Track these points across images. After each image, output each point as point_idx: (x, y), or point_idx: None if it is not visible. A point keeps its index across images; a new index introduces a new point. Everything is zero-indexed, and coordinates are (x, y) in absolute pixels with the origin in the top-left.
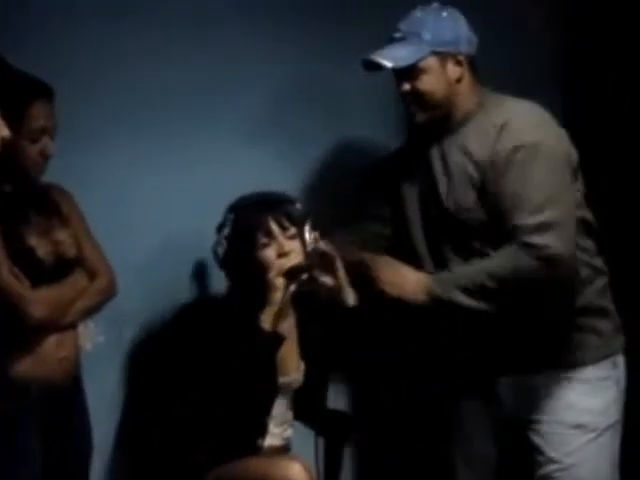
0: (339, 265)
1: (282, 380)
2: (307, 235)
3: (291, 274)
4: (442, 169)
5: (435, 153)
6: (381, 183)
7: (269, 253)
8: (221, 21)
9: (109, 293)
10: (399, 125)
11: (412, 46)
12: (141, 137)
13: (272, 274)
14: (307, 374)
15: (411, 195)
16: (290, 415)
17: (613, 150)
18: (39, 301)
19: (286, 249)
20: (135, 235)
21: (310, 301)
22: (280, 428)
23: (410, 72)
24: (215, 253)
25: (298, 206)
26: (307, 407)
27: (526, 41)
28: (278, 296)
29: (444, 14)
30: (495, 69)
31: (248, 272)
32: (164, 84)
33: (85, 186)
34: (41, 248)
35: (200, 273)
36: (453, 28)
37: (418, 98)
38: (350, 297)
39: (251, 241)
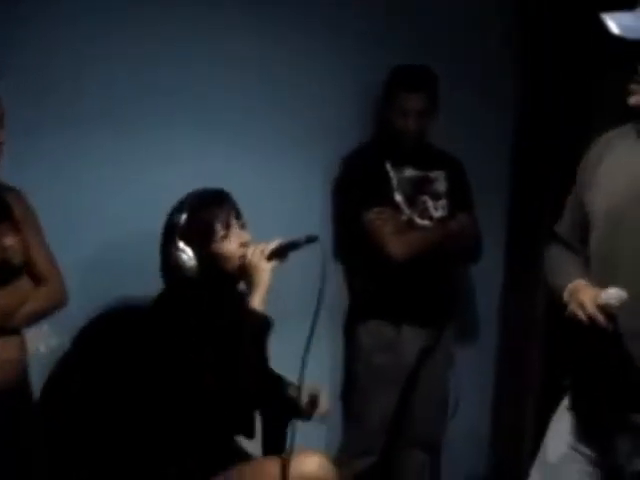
0: None
1: None
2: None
3: (277, 254)
4: None
5: None
6: None
7: (230, 244)
8: (188, 19)
9: (57, 300)
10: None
11: None
12: (86, 135)
13: (255, 258)
14: None
15: None
16: None
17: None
18: None
19: (248, 238)
20: (82, 236)
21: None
22: None
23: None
24: (177, 262)
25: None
26: None
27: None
28: (267, 277)
29: None
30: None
31: (210, 267)
32: (113, 80)
33: (29, 187)
34: None
35: (149, 273)
36: None
37: None
38: None
39: (211, 235)
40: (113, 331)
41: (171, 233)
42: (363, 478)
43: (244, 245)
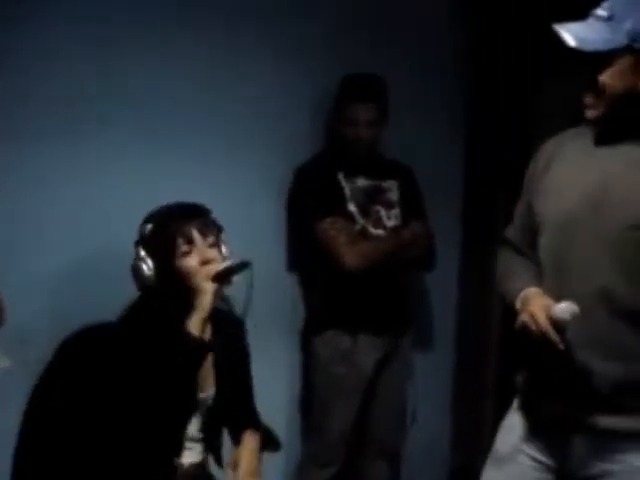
0: None
1: (200, 395)
2: (223, 245)
3: (220, 278)
4: None
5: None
6: None
7: (191, 261)
8: (155, 26)
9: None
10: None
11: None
12: (49, 145)
13: (199, 278)
14: (218, 391)
15: None
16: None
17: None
18: None
19: (209, 256)
20: (41, 254)
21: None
22: (197, 444)
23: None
24: (135, 270)
25: (213, 216)
26: (217, 426)
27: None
28: (208, 300)
29: None
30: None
31: (170, 283)
32: (69, 90)
33: None
34: None
35: (111, 291)
36: None
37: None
38: None
39: (172, 249)
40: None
41: (137, 241)
42: None
43: (205, 263)
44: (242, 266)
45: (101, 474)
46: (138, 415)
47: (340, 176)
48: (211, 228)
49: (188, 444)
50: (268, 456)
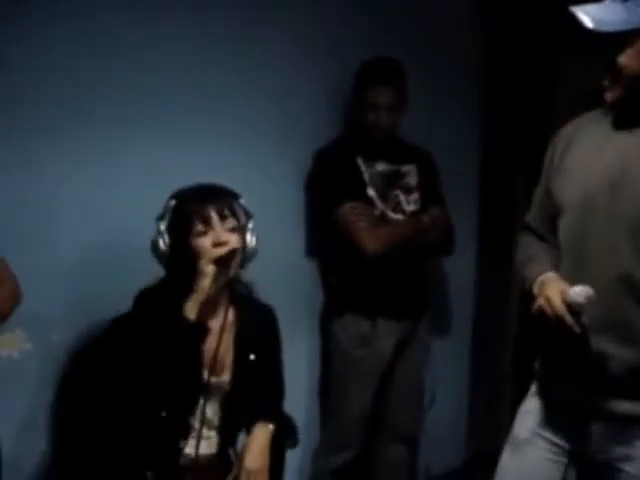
0: None
1: (213, 380)
2: (249, 234)
3: (223, 262)
4: None
5: None
6: None
7: (204, 241)
8: (170, 19)
9: (15, 300)
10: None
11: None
12: (68, 133)
13: (202, 261)
14: (234, 377)
15: None
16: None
17: None
18: None
19: (222, 239)
20: (60, 241)
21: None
22: (214, 432)
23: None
24: (154, 244)
25: (242, 202)
26: (233, 414)
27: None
28: (206, 283)
29: None
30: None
31: (184, 261)
32: (80, 82)
33: (10, 186)
34: None
35: (128, 275)
36: None
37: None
38: None
39: (188, 228)
40: (92, 336)
41: (159, 216)
42: (342, 472)
43: (217, 245)
44: (248, 253)
45: (107, 455)
46: (144, 397)
47: (359, 161)
48: (234, 212)
49: (205, 432)
50: None
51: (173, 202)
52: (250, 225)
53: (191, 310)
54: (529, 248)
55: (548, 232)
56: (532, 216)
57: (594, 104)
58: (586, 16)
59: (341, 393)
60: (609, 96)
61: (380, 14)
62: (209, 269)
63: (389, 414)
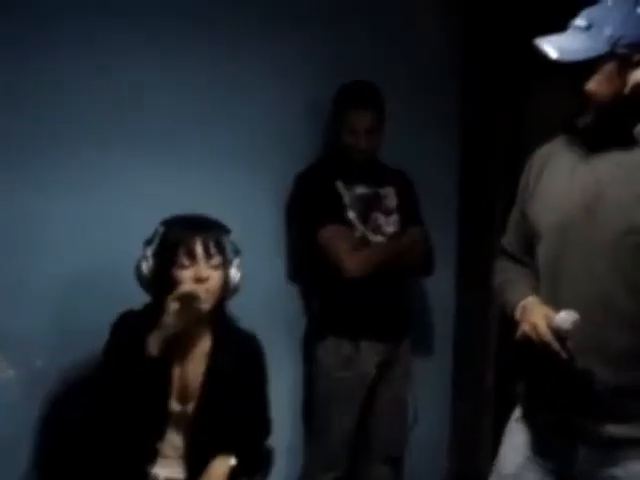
0: None
1: (178, 408)
2: (234, 270)
3: (185, 300)
4: None
5: None
6: None
7: (185, 274)
8: (156, 37)
9: None
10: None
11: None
12: (52, 157)
13: (170, 296)
14: (198, 406)
15: None
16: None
17: None
18: None
19: (203, 275)
20: (46, 265)
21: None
22: (179, 459)
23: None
24: (137, 267)
25: (232, 237)
26: (198, 440)
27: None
28: (169, 320)
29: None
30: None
31: (164, 289)
32: (70, 104)
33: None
34: None
35: (113, 301)
36: None
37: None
38: None
39: (173, 258)
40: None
41: (147, 240)
42: None
43: (198, 281)
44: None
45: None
46: (114, 421)
47: (339, 184)
48: (221, 248)
49: (173, 458)
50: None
51: (162, 229)
52: (237, 261)
53: (152, 345)
54: (507, 272)
55: (524, 255)
56: (507, 240)
57: (566, 129)
58: (550, 47)
59: (325, 415)
60: (580, 122)
61: (362, 37)
62: (173, 306)
63: (373, 434)
